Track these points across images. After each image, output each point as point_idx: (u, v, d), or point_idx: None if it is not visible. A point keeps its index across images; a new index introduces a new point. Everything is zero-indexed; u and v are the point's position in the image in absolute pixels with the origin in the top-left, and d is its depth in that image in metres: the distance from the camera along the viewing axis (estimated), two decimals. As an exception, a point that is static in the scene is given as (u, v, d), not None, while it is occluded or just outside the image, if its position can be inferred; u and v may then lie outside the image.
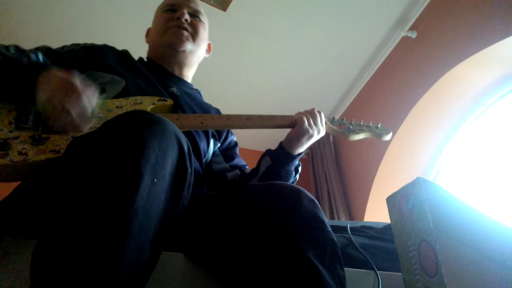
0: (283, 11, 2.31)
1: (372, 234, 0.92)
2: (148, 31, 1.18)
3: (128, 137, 0.52)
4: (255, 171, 1.00)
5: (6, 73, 0.72)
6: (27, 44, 1.01)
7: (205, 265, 0.65)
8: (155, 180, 0.51)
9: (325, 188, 2.86)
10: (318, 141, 3.21)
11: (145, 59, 1.13)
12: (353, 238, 0.84)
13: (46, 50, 0.88)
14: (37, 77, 0.70)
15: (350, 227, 0.88)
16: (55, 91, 0.67)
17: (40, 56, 0.84)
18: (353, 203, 2.69)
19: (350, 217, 2.63)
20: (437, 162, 2.42)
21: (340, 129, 1.08)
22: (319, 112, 1.02)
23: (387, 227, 0.96)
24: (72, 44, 0.98)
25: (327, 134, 3.45)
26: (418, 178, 0.66)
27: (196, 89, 1.15)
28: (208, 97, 1.19)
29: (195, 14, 1.12)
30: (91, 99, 0.72)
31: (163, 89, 0.97)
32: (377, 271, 0.73)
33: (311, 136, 0.97)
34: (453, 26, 2.08)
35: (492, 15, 1.83)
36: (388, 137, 1.12)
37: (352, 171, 2.84)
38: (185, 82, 1.12)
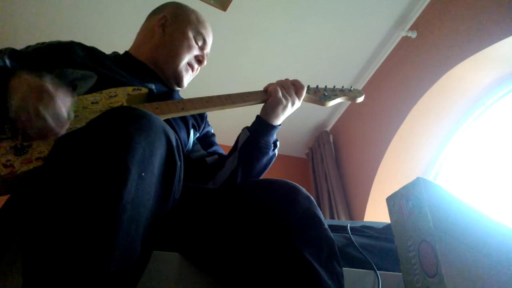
0: (283, 11, 2.31)
1: (372, 234, 0.92)
2: (151, 28, 1.10)
3: (114, 133, 0.52)
4: (234, 147, 0.99)
5: None
6: (26, 43, 1.00)
7: (200, 264, 0.65)
8: (143, 174, 0.51)
9: (325, 188, 2.86)
10: (318, 141, 3.21)
11: (120, 54, 1.10)
12: (353, 238, 0.84)
13: (10, 52, 0.86)
14: (6, 83, 0.67)
15: (350, 227, 0.88)
16: (26, 96, 0.65)
17: (7, 61, 0.82)
18: (353, 203, 2.69)
19: (350, 217, 2.63)
20: (437, 162, 2.42)
21: (316, 96, 1.10)
22: (297, 84, 1.02)
23: (387, 227, 0.96)
24: (37, 43, 0.95)
25: (327, 134, 3.43)
26: (418, 178, 0.66)
27: (177, 89, 1.14)
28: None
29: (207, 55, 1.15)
30: (65, 101, 0.70)
31: (139, 84, 0.95)
32: (377, 271, 0.73)
33: (285, 107, 0.97)
34: (453, 26, 2.08)
35: (491, 15, 1.83)
36: (361, 99, 1.15)
37: (352, 171, 2.84)
38: (163, 82, 1.09)
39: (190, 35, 1.08)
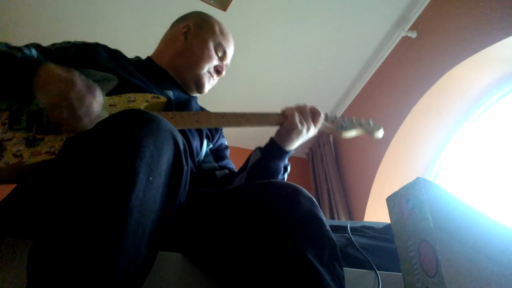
0: (283, 11, 2.31)
1: (372, 234, 0.92)
2: (174, 36, 1.12)
3: (122, 136, 0.52)
4: (243, 166, 0.99)
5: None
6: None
7: (203, 265, 0.65)
8: (151, 178, 0.51)
9: (325, 188, 2.86)
10: (318, 141, 3.21)
11: (143, 59, 1.11)
12: (353, 238, 0.84)
13: (37, 47, 0.87)
14: (33, 72, 0.68)
15: (350, 227, 0.88)
16: (61, 93, 0.66)
17: (34, 51, 0.82)
18: (353, 203, 2.69)
19: (350, 217, 2.63)
20: (437, 162, 2.42)
21: (333, 126, 1.08)
22: (315, 111, 1.01)
23: (387, 227, 0.96)
24: (63, 42, 0.96)
25: (327, 134, 3.43)
26: (418, 178, 0.66)
27: (194, 96, 1.15)
28: (206, 97, 1.19)
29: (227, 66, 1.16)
30: (98, 100, 0.72)
31: (158, 90, 0.96)
32: (377, 271, 0.73)
33: (300, 132, 0.95)
34: (453, 26, 2.08)
35: (492, 15, 1.83)
36: (380, 134, 1.12)
37: (352, 171, 2.84)
38: (182, 89, 1.11)
39: (211, 45, 1.09)
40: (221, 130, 1.14)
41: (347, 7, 2.30)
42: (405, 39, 2.45)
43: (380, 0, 2.27)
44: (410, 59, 2.41)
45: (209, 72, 1.09)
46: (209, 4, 2.17)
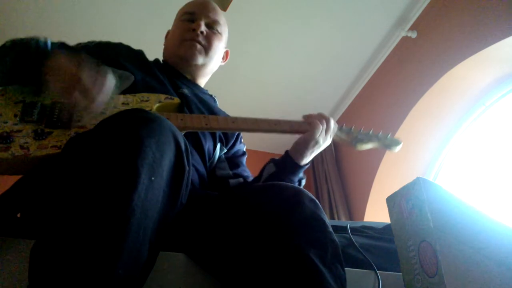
0: (283, 11, 2.31)
1: (372, 234, 0.92)
2: (168, 33, 1.18)
3: (124, 136, 0.52)
4: (257, 178, 0.98)
5: (15, 54, 0.72)
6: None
7: (205, 265, 0.65)
8: (153, 178, 0.51)
9: (325, 188, 2.86)
10: (318, 141, 3.21)
11: (161, 61, 1.14)
12: (353, 238, 0.84)
13: (60, 44, 0.88)
14: (44, 59, 0.69)
15: (350, 227, 0.88)
16: (73, 80, 0.67)
17: (49, 42, 0.82)
18: (353, 203, 2.69)
19: (350, 217, 2.63)
20: (437, 162, 2.42)
21: (348, 138, 1.04)
22: (332, 122, 0.98)
23: (387, 227, 0.96)
24: (88, 41, 0.99)
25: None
26: (418, 178, 0.66)
27: (211, 95, 1.15)
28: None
29: (212, 25, 1.10)
30: (110, 79, 0.72)
31: (173, 89, 0.97)
32: (377, 271, 0.73)
33: (319, 146, 0.94)
34: (453, 26, 2.08)
35: (492, 15, 1.83)
36: (397, 149, 1.07)
37: (352, 171, 2.84)
38: (198, 86, 1.12)
39: (178, 22, 1.11)
40: (238, 135, 1.10)
41: (347, 7, 2.30)
42: (405, 39, 2.45)
43: (380, 0, 2.27)
44: (410, 59, 2.41)
45: (185, 40, 1.06)
46: (209, 4, 2.17)
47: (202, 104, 1.02)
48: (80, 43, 0.97)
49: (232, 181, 1.01)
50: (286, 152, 0.96)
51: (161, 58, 1.15)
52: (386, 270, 0.76)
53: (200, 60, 1.07)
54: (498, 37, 1.78)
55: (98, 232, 0.45)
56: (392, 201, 0.71)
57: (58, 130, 0.71)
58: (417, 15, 2.34)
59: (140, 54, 1.04)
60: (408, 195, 0.67)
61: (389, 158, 2.46)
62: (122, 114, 0.56)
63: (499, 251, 0.62)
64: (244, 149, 1.13)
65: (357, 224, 1.03)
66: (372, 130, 1.08)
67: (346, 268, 0.61)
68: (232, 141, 1.07)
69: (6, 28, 2.21)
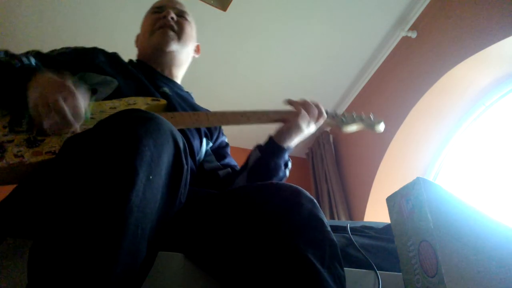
0: (283, 11, 2.31)
1: (372, 234, 0.92)
2: (137, 37, 1.20)
3: (122, 135, 0.52)
4: (244, 165, 0.99)
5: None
6: (28, 46, 1.01)
7: (204, 265, 0.65)
8: (151, 177, 0.51)
9: (325, 188, 2.86)
10: (318, 141, 3.21)
11: (135, 61, 1.13)
12: (353, 238, 0.84)
13: (36, 54, 0.88)
14: (28, 80, 0.69)
15: (350, 227, 0.88)
16: (47, 89, 0.67)
17: (32, 60, 0.83)
18: (353, 203, 2.69)
19: (350, 217, 2.63)
20: (437, 162, 2.42)
21: (334, 121, 1.09)
22: (319, 111, 1.00)
23: (387, 227, 0.96)
24: (62, 48, 0.97)
25: (327, 134, 3.43)
26: (418, 178, 0.66)
27: (187, 92, 1.15)
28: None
29: (181, 14, 1.13)
30: (84, 97, 0.71)
31: (154, 89, 0.97)
32: (377, 271, 0.73)
33: (301, 132, 0.96)
34: (453, 26, 2.08)
35: (492, 15, 1.83)
36: (381, 128, 1.12)
37: (352, 171, 2.84)
38: (176, 83, 1.12)
39: (147, 15, 1.14)
40: (220, 128, 1.14)
41: (347, 7, 2.30)
42: (405, 39, 2.45)
43: (380, 0, 2.28)
44: (410, 59, 2.41)
45: (155, 30, 1.08)
46: (209, 4, 2.17)
47: (183, 101, 1.04)
48: (54, 50, 0.96)
49: (221, 172, 1.03)
50: (270, 137, 0.98)
51: (134, 59, 1.15)
52: (386, 270, 0.76)
53: (173, 46, 1.07)
54: (498, 37, 1.78)
55: (96, 231, 0.45)
56: (392, 201, 0.71)
57: (50, 137, 0.71)
58: (417, 15, 2.34)
59: (115, 57, 1.04)
60: (408, 195, 0.67)
61: (389, 158, 2.46)
62: (120, 114, 0.56)
63: (499, 251, 0.62)
64: (227, 140, 1.16)
65: (357, 224, 1.03)
66: (354, 112, 1.14)
67: (346, 268, 0.61)
68: (216, 134, 1.10)
69: (5, 30, 2.21)
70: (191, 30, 1.14)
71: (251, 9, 2.27)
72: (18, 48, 1.00)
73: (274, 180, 0.94)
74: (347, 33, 2.48)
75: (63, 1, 2.13)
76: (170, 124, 0.59)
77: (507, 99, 2.05)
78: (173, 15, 1.09)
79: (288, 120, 0.96)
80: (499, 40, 1.77)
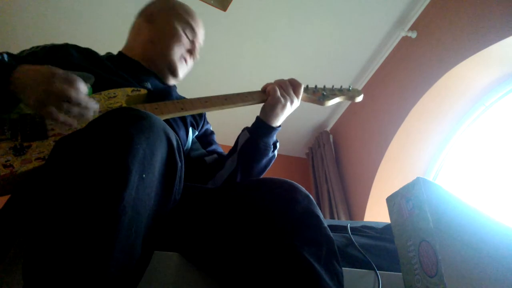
0: (283, 11, 2.31)
1: (372, 234, 0.92)
2: (139, 25, 1.12)
3: (114, 134, 0.52)
4: (233, 148, 0.99)
5: None
6: (28, 44, 1.00)
7: (200, 264, 0.65)
8: (144, 175, 0.51)
9: (325, 188, 2.86)
10: (318, 141, 3.21)
11: (115, 54, 1.10)
12: (353, 238, 0.84)
13: (7, 54, 0.85)
14: (8, 76, 0.67)
15: (350, 227, 0.88)
16: (49, 83, 0.65)
17: (5, 56, 0.81)
18: (353, 203, 2.69)
19: (350, 217, 2.63)
20: (437, 162, 2.42)
21: (315, 96, 1.09)
22: (295, 82, 1.02)
23: (387, 227, 0.96)
24: (32, 47, 0.95)
25: (327, 134, 3.42)
26: (418, 178, 0.66)
27: (173, 85, 1.14)
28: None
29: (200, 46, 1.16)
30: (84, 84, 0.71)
31: (136, 83, 0.96)
32: (377, 271, 0.73)
33: (284, 106, 0.96)
34: (453, 26, 2.08)
35: (492, 15, 1.83)
36: (360, 98, 1.14)
37: (352, 171, 2.84)
38: (159, 78, 1.09)
39: (178, 26, 1.08)
40: (204, 116, 1.14)
41: (347, 7, 2.30)
42: (405, 39, 2.45)
43: (380, 0, 2.27)
44: (410, 59, 2.41)
45: (181, 55, 1.08)
46: (209, 4, 2.17)
47: (166, 94, 1.02)
48: (24, 50, 0.93)
49: (207, 158, 1.03)
50: (257, 117, 0.98)
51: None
52: (386, 270, 0.76)
53: (180, 75, 1.11)
54: (498, 37, 1.78)
55: (90, 231, 0.45)
56: (392, 201, 0.71)
57: (36, 142, 0.69)
58: (417, 15, 2.34)
59: (89, 51, 1.01)
60: (408, 195, 0.67)
61: (389, 158, 2.46)
62: (112, 112, 0.55)
63: (499, 251, 0.62)
64: (211, 129, 1.16)
65: (357, 224, 1.03)
66: (333, 85, 1.17)
67: (346, 268, 0.61)
68: (202, 123, 1.10)
69: (4, 29, 2.21)
70: None
71: (251, 9, 2.27)
72: (18, 47, 1.00)
73: (264, 161, 0.95)
74: (347, 33, 2.48)
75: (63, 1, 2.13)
76: (163, 122, 0.59)
77: (507, 99, 2.05)
78: (197, 54, 1.12)
79: (268, 98, 0.97)
80: (499, 40, 1.77)
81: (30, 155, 0.67)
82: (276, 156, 1.00)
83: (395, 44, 2.54)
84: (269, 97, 0.96)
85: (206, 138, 1.10)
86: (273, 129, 0.96)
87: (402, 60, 2.48)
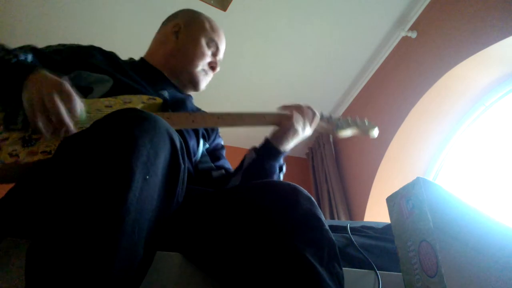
0: (283, 11, 2.31)
1: (372, 234, 0.92)
2: (165, 35, 1.12)
3: (118, 135, 0.52)
4: (239, 167, 0.99)
5: None
6: (28, 42, 1.00)
7: (202, 265, 0.65)
8: (147, 177, 0.51)
9: (325, 188, 2.86)
10: (318, 141, 3.21)
11: (136, 60, 1.11)
12: (353, 238, 0.84)
13: (32, 49, 0.87)
14: (24, 78, 0.68)
15: (350, 227, 0.88)
16: (43, 86, 0.66)
17: (29, 56, 0.82)
18: (353, 203, 2.69)
19: (350, 217, 2.63)
20: (437, 162, 2.42)
21: (329, 126, 1.09)
22: (313, 113, 1.02)
23: (387, 227, 0.96)
24: (58, 44, 0.97)
25: (327, 134, 3.42)
26: (418, 178, 0.66)
27: (189, 94, 1.15)
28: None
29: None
30: (79, 99, 0.71)
31: (153, 91, 0.97)
32: (377, 271, 0.73)
33: (298, 135, 0.96)
34: (453, 26, 2.08)
35: (492, 15, 1.83)
36: (375, 134, 1.13)
37: (352, 171, 2.84)
38: (178, 88, 1.11)
39: (203, 42, 1.10)
40: (217, 130, 1.14)
41: (347, 7, 2.30)
42: (405, 39, 2.45)
43: (380, 0, 2.27)
44: (410, 59, 2.41)
45: (203, 69, 1.10)
46: (209, 4, 2.17)
47: (181, 105, 1.03)
48: (49, 46, 0.95)
49: (214, 173, 1.03)
50: (266, 138, 0.98)
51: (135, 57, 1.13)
52: (386, 270, 0.76)
53: (202, 87, 1.14)
54: (498, 37, 1.78)
55: (94, 231, 0.45)
56: (392, 201, 0.71)
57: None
58: (417, 15, 2.34)
59: (112, 55, 1.02)
60: (408, 195, 0.67)
61: (389, 158, 2.46)
62: (116, 113, 0.55)
63: (499, 251, 0.62)
64: (222, 143, 1.16)
65: (357, 224, 1.03)
66: (349, 117, 1.14)
67: (346, 268, 0.61)
68: (214, 136, 1.11)
69: (4, 29, 2.21)
70: None
71: (251, 9, 2.27)
72: (17, 44, 1.00)
73: None
74: (347, 33, 2.48)
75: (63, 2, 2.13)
76: (166, 123, 0.58)
77: (507, 99, 2.05)
78: (218, 68, 1.15)
79: (283, 123, 0.96)
80: (499, 40, 1.77)
81: (38, 147, 0.68)
82: (282, 179, 0.99)
83: (395, 44, 2.54)
84: (287, 122, 0.96)
85: (216, 152, 1.10)
86: (281, 153, 0.96)
87: (402, 60, 2.48)
